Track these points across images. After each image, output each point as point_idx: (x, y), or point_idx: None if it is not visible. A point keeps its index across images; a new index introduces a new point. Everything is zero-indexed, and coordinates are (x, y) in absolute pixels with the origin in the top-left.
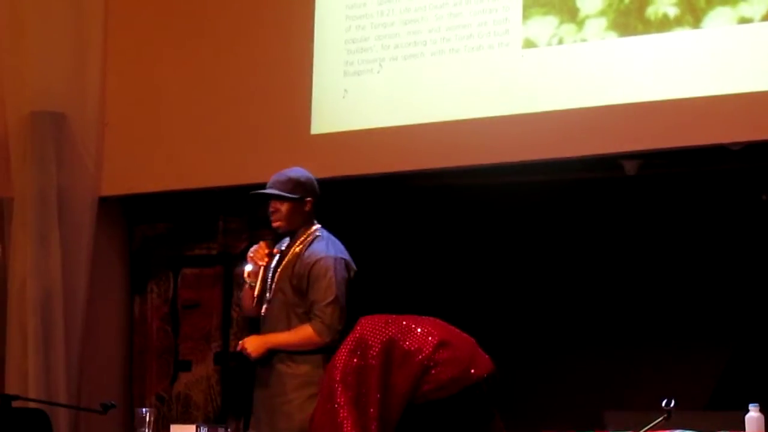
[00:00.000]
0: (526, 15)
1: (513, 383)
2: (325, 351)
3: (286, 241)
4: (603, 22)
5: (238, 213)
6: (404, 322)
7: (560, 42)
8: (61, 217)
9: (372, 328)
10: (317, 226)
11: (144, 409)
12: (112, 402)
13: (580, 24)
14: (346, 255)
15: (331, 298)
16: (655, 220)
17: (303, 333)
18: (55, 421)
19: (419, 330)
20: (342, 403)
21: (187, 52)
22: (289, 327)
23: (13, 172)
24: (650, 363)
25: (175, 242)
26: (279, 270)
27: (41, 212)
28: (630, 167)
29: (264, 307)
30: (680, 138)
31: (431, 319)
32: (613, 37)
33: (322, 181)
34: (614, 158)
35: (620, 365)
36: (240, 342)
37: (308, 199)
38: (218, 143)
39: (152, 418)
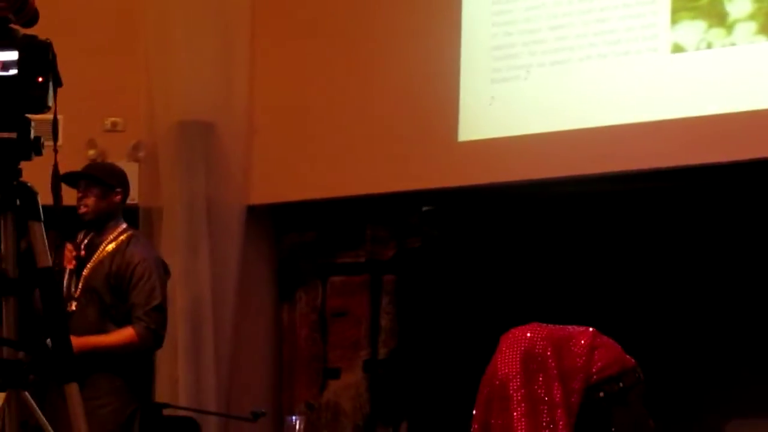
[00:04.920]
0: (674, 19)
1: None
2: (142, 359)
3: (85, 235)
4: (752, 26)
5: (385, 221)
6: (546, 324)
7: (709, 46)
8: (210, 226)
9: (523, 333)
10: (126, 224)
11: (293, 417)
12: (263, 410)
13: (729, 28)
14: (161, 257)
15: (156, 303)
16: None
17: (125, 335)
18: (205, 429)
19: (566, 327)
20: (516, 402)
21: (333, 60)
22: (103, 328)
23: (162, 181)
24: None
25: (323, 250)
26: (89, 267)
27: (190, 221)
28: None
29: (74, 304)
30: None
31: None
32: (762, 41)
33: (469, 188)
34: None
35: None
36: None
37: (118, 189)
38: (365, 151)
39: (302, 426)
